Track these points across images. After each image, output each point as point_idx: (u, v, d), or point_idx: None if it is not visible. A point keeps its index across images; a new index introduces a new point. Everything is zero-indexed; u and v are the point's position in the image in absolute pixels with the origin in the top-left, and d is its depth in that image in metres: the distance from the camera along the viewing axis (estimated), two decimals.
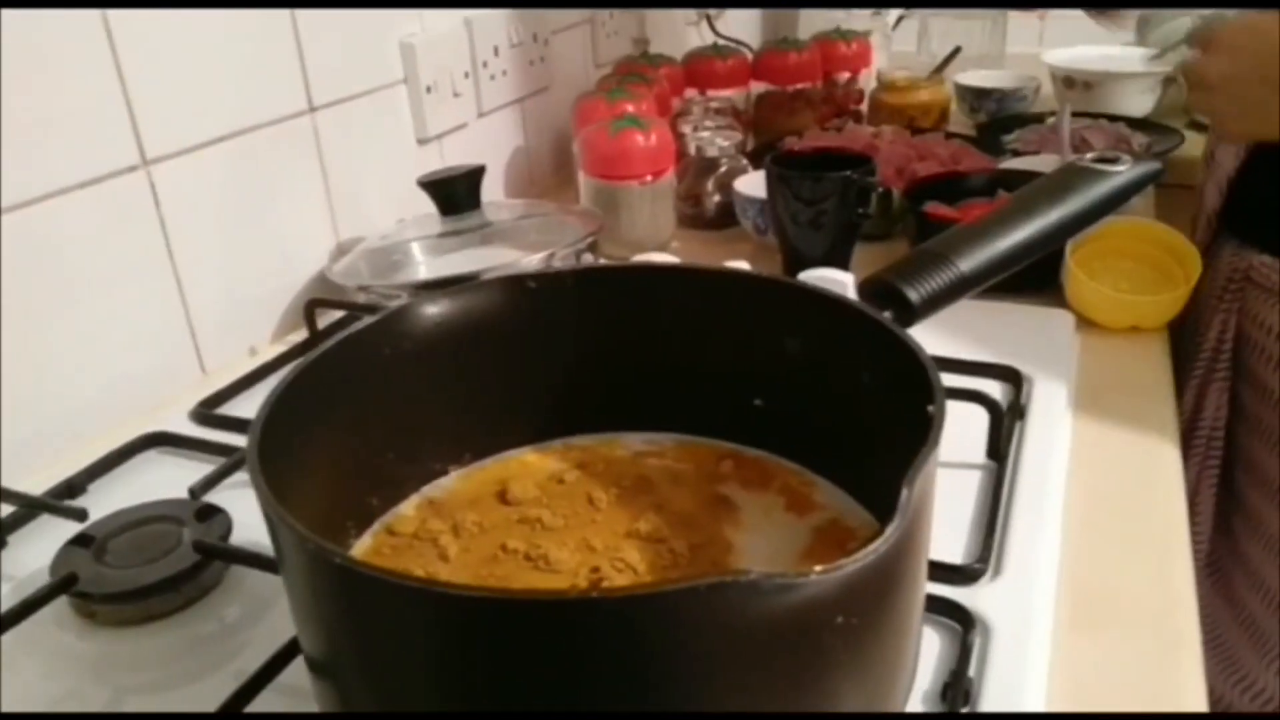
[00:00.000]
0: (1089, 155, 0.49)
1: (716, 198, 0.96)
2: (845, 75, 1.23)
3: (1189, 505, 0.50)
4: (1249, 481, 0.80)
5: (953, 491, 0.53)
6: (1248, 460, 0.80)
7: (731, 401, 0.48)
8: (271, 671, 0.41)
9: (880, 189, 0.78)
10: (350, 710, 0.33)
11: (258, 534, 0.50)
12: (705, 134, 0.98)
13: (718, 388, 0.48)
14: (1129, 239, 0.77)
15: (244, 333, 0.74)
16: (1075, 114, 1.12)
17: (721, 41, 1.26)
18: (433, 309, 0.45)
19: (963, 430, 0.55)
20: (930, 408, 0.33)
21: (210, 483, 0.54)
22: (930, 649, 0.43)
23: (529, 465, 0.48)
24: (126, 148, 0.64)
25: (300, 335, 0.74)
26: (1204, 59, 0.69)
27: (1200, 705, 0.43)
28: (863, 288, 0.44)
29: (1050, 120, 1.11)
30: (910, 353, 0.37)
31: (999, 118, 1.22)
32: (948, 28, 1.44)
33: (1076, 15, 1.50)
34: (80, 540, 0.50)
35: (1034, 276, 0.74)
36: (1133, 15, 1.06)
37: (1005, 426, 0.56)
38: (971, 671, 0.42)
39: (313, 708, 0.37)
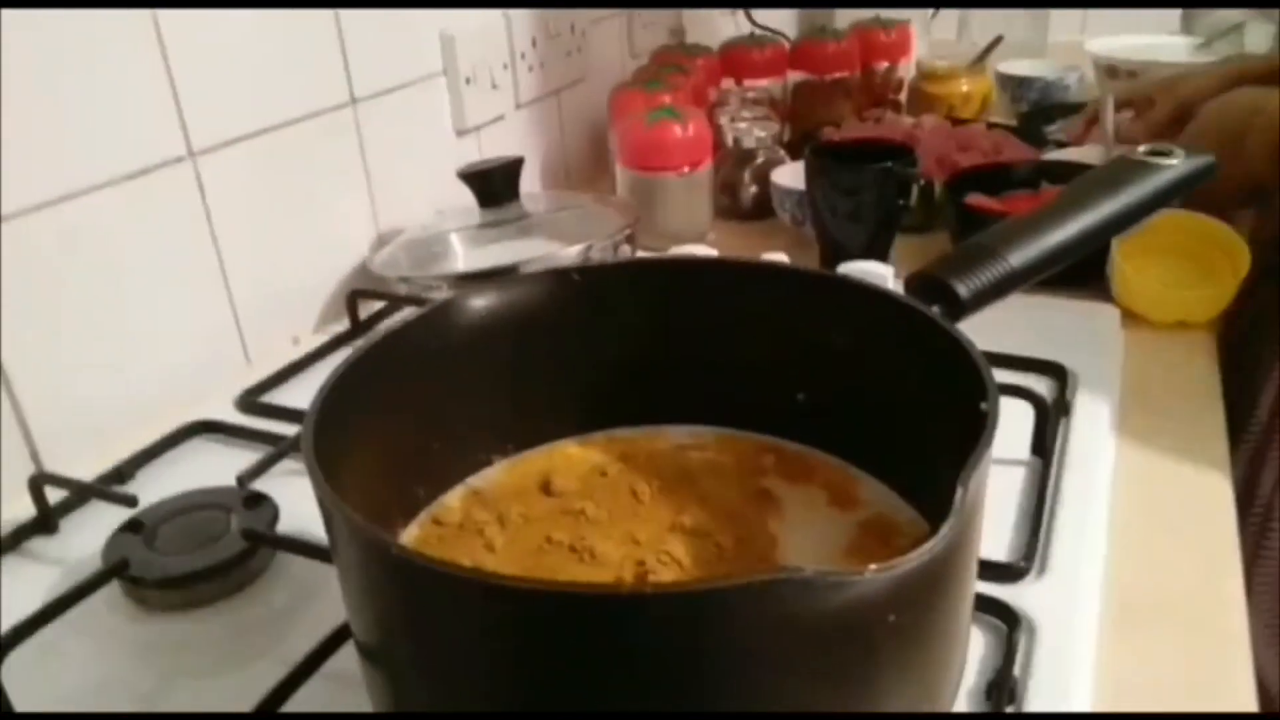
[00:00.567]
0: (1141, 148, 0.48)
1: (753, 189, 0.96)
2: (884, 64, 1.22)
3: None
4: None
5: (997, 488, 0.52)
6: None
7: (774, 395, 0.48)
8: (319, 659, 0.42)
9: (921, 180, 0.77)
10: (401, 695, 0.33)
11: (304, 522, 0.52)
12: (742, 125, 0.97)
13: (761, 381, 0.48)
14: (1176, 232, 0.75)
15: (287, 322, 0.75)
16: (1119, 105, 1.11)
17: (758, 31, 1.25)
18: (479, 302, 0.45)
19: (1007, 426, 0.54)
20: (983, 405, 0.33)
21: (257, 471, 0.55)
22: (975, 647, 0.43)
23: (571, 457, 0.48)
24: (173, 140, 0.65)
25: (342, 325, 0.75)
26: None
27: (1250, 706, 0.42)
28: (910, 282, 0.43)
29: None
30: (962, 349, 0.37)
31: (1041, 108, 1.20)
32: (989, 16, 1.42)
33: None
34: (131, 526, 0.51)
35: (1079, 271, 0.73)
36: None
37: (1051, 423, 0.56)
38: (1016, 670, 0.41)
39: (360, 695, 0.37)
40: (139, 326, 0.64)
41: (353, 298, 0.75)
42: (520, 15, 0.93)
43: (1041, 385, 0.61)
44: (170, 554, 0.49)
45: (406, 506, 0.44)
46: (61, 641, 0.46)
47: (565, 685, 0.29)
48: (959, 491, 0.28)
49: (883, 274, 0.73)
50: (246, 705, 0.40)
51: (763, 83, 1.12)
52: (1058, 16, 1.49)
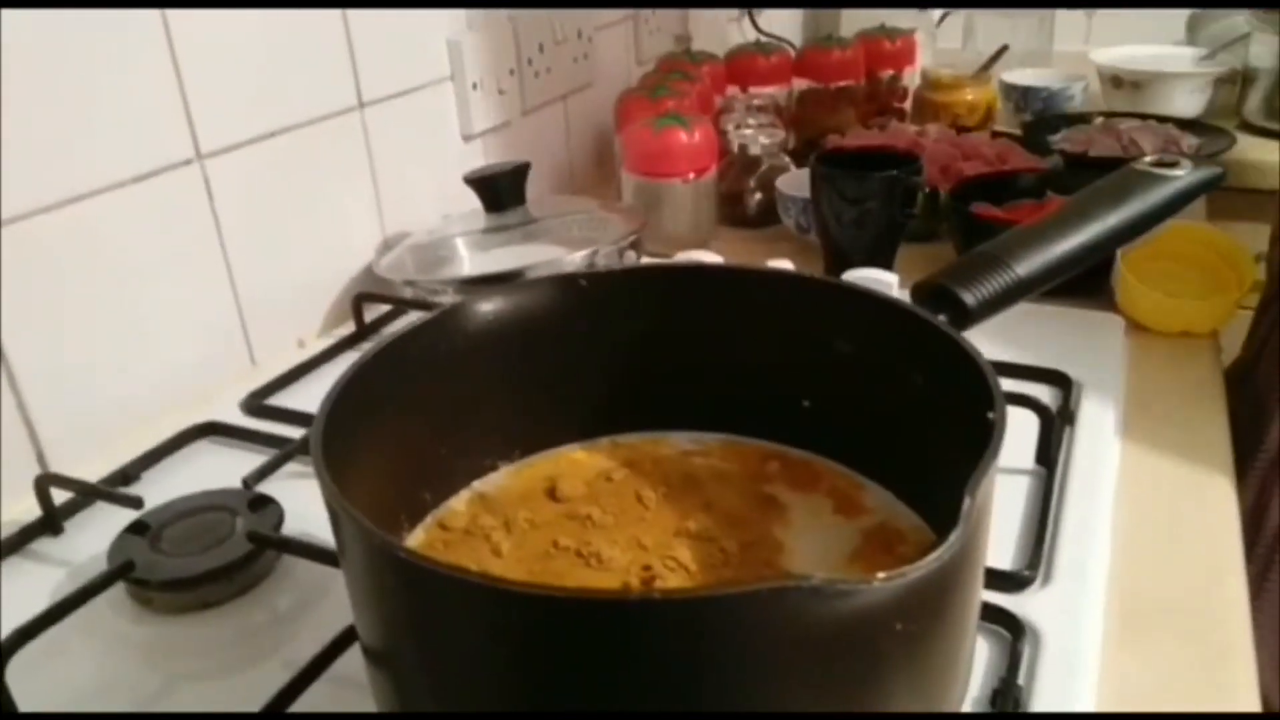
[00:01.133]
0: (1147, 159, 0.48)
1: (758, 196, 0.96)
2: (889, 73, 1.22)
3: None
4: None
5: (1001, 497, 0.52)
6: None
7: (779, 402, 0.48)
8: (325, 662, 0.42)
9: (926, 189, 0.77)
10: (407, 699, 0.33)
11: (309, 524, 0.52)
12: (748, 131, 0.97)
13: (766, 388, 0.48)
14: (1180, 241, 0.75)
15: (292, 325, 0.75)
16: (1123, 114, 1.11)
17: (764, 39, 1.25)
18: (487, 307, 0.45)
19: (1011, 434, 0.54)
20: (990, 414, 0.33)
21: (263, 473, 0.55)
22: (979, 656, 0.43)
23: (577, 462, 0.48)
24: (182, 142, 0.65)
25: (347, 328, 0.75)
26: None
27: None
28: (916, 290, 0.43)
29: (1098, 122, 1.09)
30: (968, 358, 0.37)
31: (1045, 117, 1.20)
32: (993, 25, 1.42)
33: (1125, 13, 1.48)
34: (136, 528, 0.51)
35: (1083, 280, 0.73)
36: None
37: (1056, 432, 0.56)
38: (1021, 679, 0.41)
39: (365, 699, 0.37)
40: (145, 328, 0.64)
41: (358, 301, 0.75)
42: (527, 21, 0.94)
43: (1046, 394, 0.61)
44: (175, 556, 0.49)
45: (412, 510, 0.44)
46: (66, 643, 0.46)
47: (572, 690, 0.29)
48: (967, 500, 0.28)
49: (888, 281, 0.73)
50: (251, 708, 0.41)
51: (768, 90, 1.12)
52: (1062, 26, 1.50)
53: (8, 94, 0.54)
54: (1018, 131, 1.15)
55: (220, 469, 0.58)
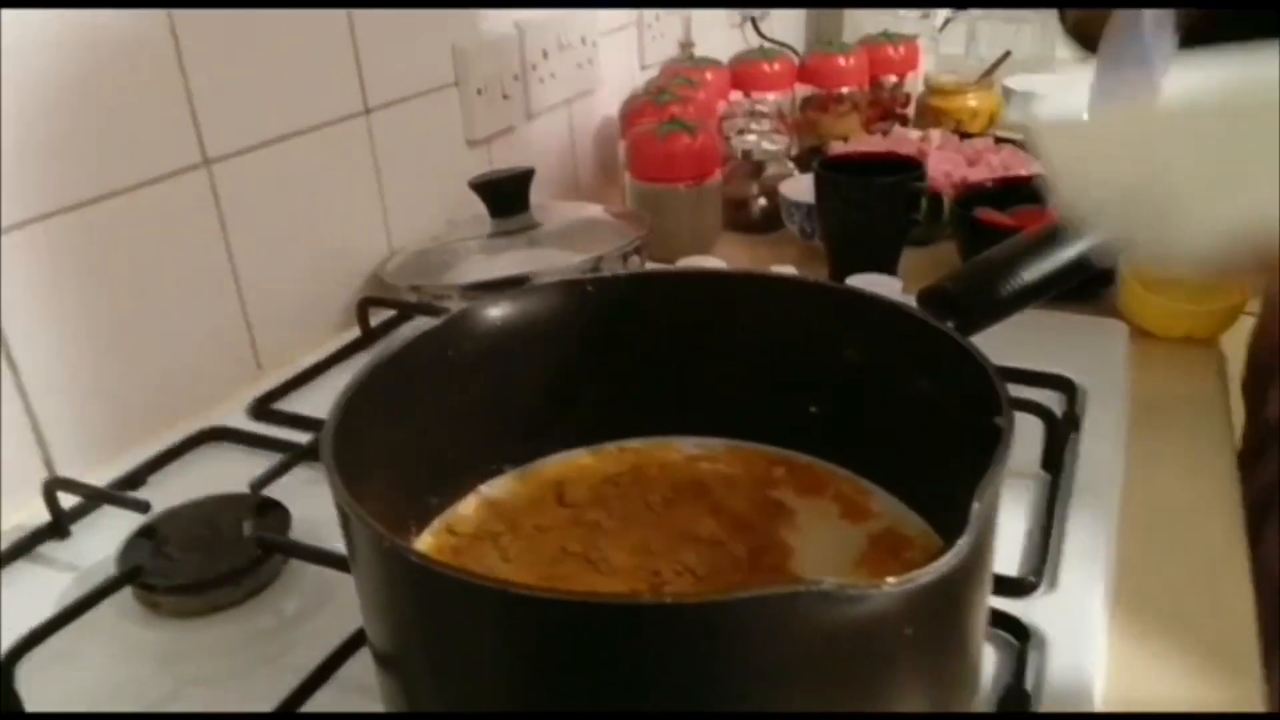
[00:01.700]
0: None
1: (762, 201, 0.96)
2: (892, 79, 1.22)
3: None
4: None
5: (1006, 502, 0.52)
6: None
7: (786, 407, 0.48)
8: (333, 665, 0.42)
9: (930, 194, 0.78)
10: (416, 702, 0.33)
11: (316, 529, 0.52)
12: (751, 137, 0.98)
13: (773, 393, 0.48)
14: None
15: (298, 330, 0.75)
16: None
17: (767, 44, 1.25)
18: (494, 312, 0.45)
19: (1016, 440, 0.54)
20: (998, 420, 0.33)
21: (270, 477, 0.55)
22: (986, 661, 0.43)
23: (584, 467, 0.48)
24: (189, 147, 0.65)
25: (353, 333, 0.75)
26: None
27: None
28: (923, 296, 0.44)
29: None
30: (976, 364, 0.37)
31: None
32: (996, 31, 1.43)
33: None
34: (144, 532, 0.52)
35: (1087, 286, 0.73)
36: None
37: (1060, 437, 0.56)
38: (1028, 685, 0.42)
39: (374, 702, 0.37)
40: (152, 332, 0.64)
41: (364, 305, 0.75)
42: (533, 27, 0.94)
43: (1051, 400, 0.61)
44: (183, 560, 0.50)
45: (420, 515, 0.44)
46: (74, 647, 0.46)
47: (582, 694, 0.29)
48: (975, 505, 0.29)
49: (891, 286, 0.73)
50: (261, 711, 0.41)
51: (771, 96, 1.12)
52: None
53: (12, 100, 0.54)
54: (1021, 137, 1.15)
55: (227, 473, 0.58)
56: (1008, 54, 1.27)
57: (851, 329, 0.45)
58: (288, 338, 0.74)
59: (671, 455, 0.49)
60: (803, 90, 1.17)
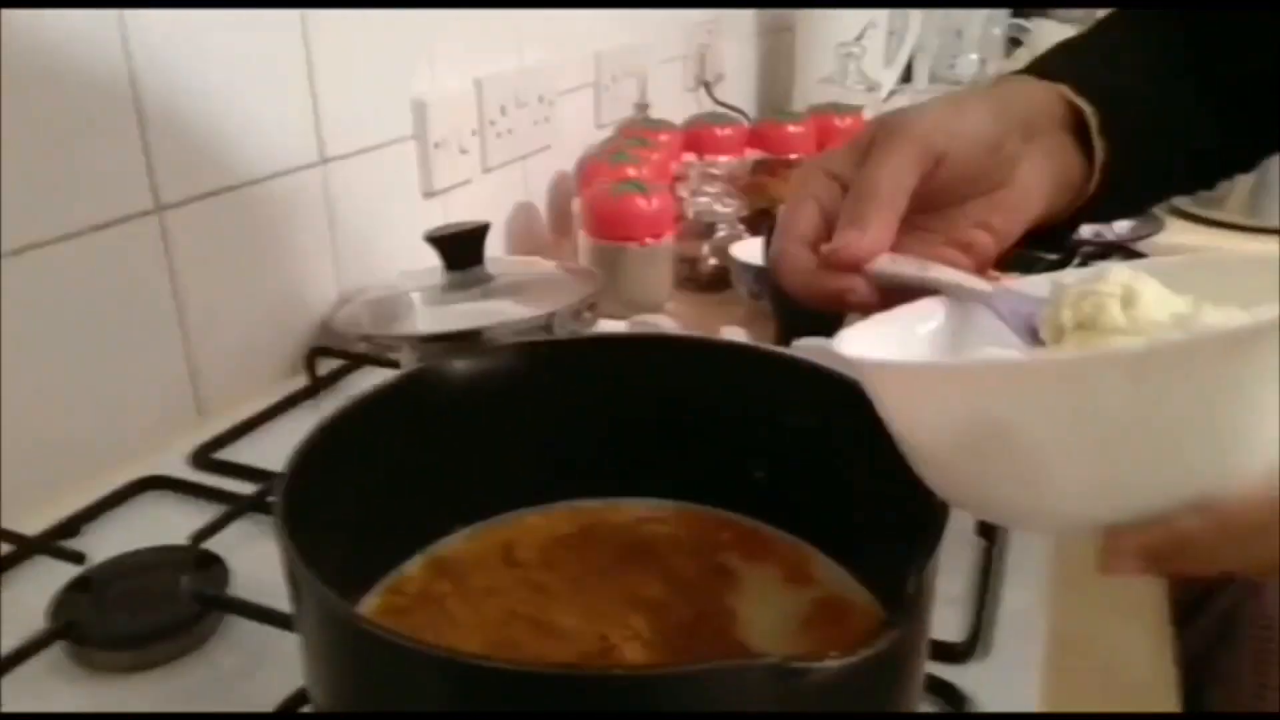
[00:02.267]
0: (1082, 249, 0.51)
1: (713, 261, 0.98)
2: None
3: None
4: None
5: (942, 567, 0.54)
6: None
7: (733, 472, 0.49)
8: None
9: None
10: None
11: (257, 584, 0.51)
12: (703, 199, 1.00)
13: (720, 458, 0.49)
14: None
15: (243, 378, 0.75)
16: None
17: (720, 109, 1.29)
18: (450, 372, 0.46)
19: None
20: (935, 501, 0.34)
21: (211, 530, 0.54)
22: None
23: (533, 527, 0.48)
24: (141, 193, 0.65)
25: (299, 382, 0.75)
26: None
27: None
28: None
29: None
30: None
31: None
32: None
33: None
34: (78, 584, 0.50)
35: None
36: None
37: None
38: None
39: None
40: (92, 377, 0.63)
41: (311, 354, 0.75)
42: (492, 83, 0.96)
43: None
44: (118, 614, 0.49)
45: (367, 574, 0.44)
46: (2, 703, 0.44)
47: None
48: (912, 582, 0.30)
49: (835, 351, 0.75)
50: None
51: (723, 159, 1.15)
52: None
53: None
54: None
55: (166, 524, 0.57)
56: None
57: (795, 397, 0.47)
58: (232, 385, 0.74)
59: (621, 516, 0.49)
60: (753, 154, 1.20)
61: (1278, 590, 0.69)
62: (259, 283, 0.75)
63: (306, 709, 0.42)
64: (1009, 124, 0.45)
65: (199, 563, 0.52)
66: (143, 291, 0.66)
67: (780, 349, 0.76)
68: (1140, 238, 1.08)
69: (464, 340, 0.70)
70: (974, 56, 1.81)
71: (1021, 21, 1.98)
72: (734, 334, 0.77)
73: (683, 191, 1.02)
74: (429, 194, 0.91)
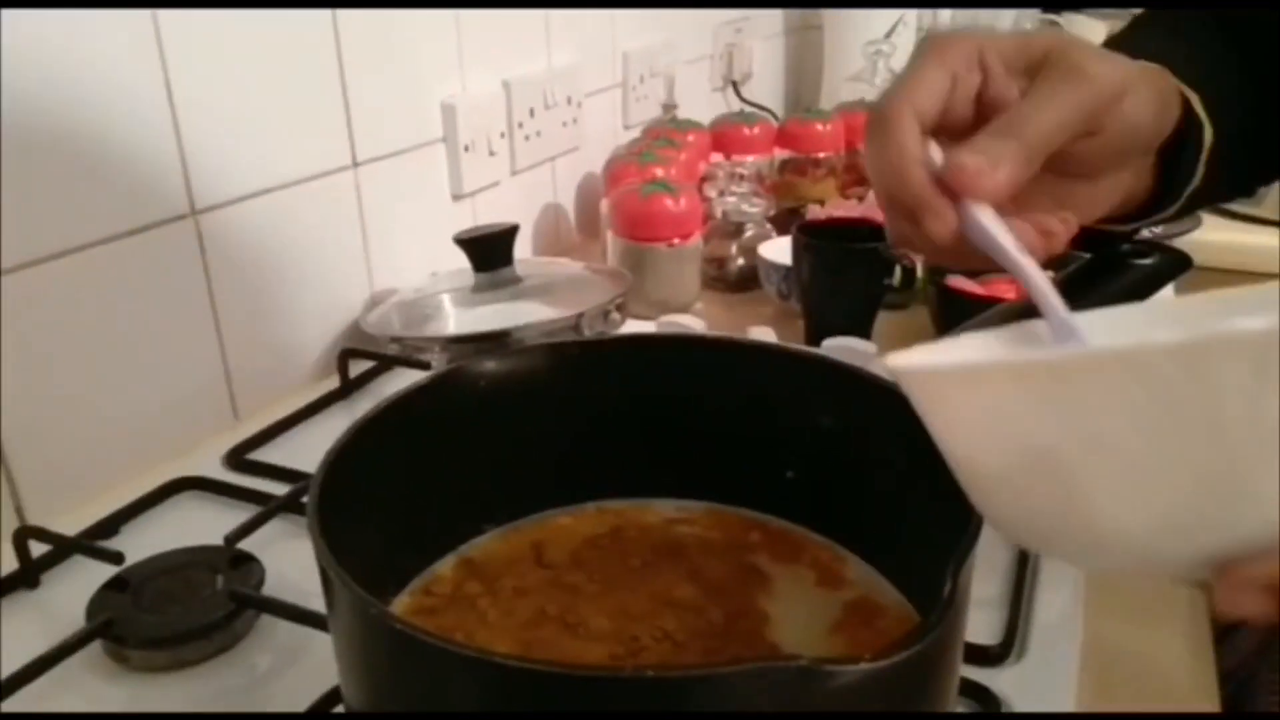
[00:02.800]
0: (1123, 246, 0.50)
1: (740, 261, 0.98)
2: None
3: None
4: None
5: (977, 569, 0.53)
6: None
7: (764, 473, 0.49)
8: None
9: (906, 263, 0.80)
10: None
11: (290, 584, 0.52)
12: (731, 199, 1.00)
13: (751, 458, 0.49)
14: None
15: (277, 379, 0.76)
16: None
17: (747, 108, 1.28)
18: (480, 372, 0.46)
19: None
20: None
21: (245, 530, 0.55)
22: None
23: (564, 528, 0.48)
24: (178, 197, 0.66)
25: (331, 383, 0.76)
26: None
27: None
28: None
29: None
30: None
31: None
32: None
33: None
34: (115, 584, 0.51)
35: None
36: None
37: None
38: None
39: None
40: (129, 380, 0.64)
41: (344, 356, 0.76)
42: (520, 85, 0.96)
43: None
44: (154, 613, 0.49)
45: (398, 574, 0.44)
46: (39, 702, 0.45)
47: None
48: (949, 584, 0.29)
49: (865, 351, 0.75)
50: None
51: (751, 158, 1.15)
52: None
53: (4, 144, 0.55)
54: None
55: (201, 524, 0.58)
56: None
57: (826, 397, 0.46)
58: (266, 387, 0.74)
59: (650, 517, 0.49)
60: (781, 154, 1.20)
61: None
62: (292, 286, 0.76)
63: (339, 708, 0.42)
64: (1164, 123, 0.40)
65: (234, 562, 0.53)
66: (179, 295, 0.67)
67: (810, 349, 0.75)
68: (1176, 235, 1.06)
69: (493, 341, 0.70)
70: None
71: (1053, 17, 1.95)
72: (762, 334, 0.77)
73: (710, 191, 1.02)
74: (458, 196, 0.91)
